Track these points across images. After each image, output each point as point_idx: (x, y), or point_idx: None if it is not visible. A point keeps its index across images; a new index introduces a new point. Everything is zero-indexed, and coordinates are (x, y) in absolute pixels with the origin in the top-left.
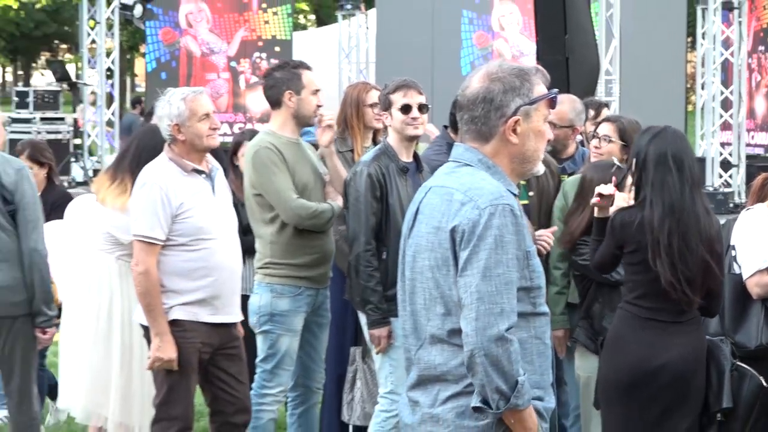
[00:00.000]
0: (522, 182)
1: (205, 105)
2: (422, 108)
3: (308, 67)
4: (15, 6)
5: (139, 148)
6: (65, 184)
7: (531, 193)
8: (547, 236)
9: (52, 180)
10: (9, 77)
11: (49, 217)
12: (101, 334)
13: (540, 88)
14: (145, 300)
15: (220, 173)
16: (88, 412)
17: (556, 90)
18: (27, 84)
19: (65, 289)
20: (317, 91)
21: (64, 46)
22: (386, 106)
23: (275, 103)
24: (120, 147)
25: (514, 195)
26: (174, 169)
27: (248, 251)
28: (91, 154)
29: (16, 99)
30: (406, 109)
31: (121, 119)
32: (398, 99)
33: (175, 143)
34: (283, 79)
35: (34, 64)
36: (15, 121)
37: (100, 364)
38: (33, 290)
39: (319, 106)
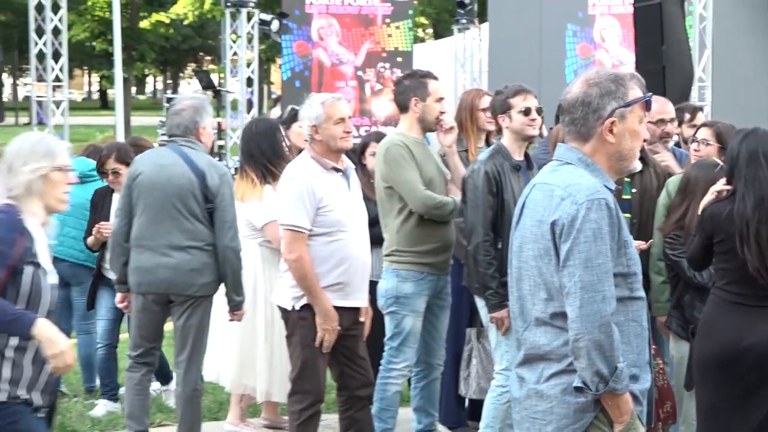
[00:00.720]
0: (626, 179)
1: (342, 110)
2: (539, 110)
3: (435, 78)
4: (166, 21)
5: (246, 141)
6: None
7: (634, 190)
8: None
9: None
10: (159, 86)
11: None
12: (247, 311)
13: (635, 92)
14: (303, 284)
15: (353, 172)
16: (235, 382)
17: (649, 93)
18: (175, 91)
19: None
20: (441, 99)
21: (208, 57)
22: (504, 109)
23: (403, 107)
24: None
25: (611, 190)
26: (316, 167)
27: (375, 242)
28: (233, 153)
29: (166, 105)
30: (526, 111)
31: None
32: (518, 102)
33: (314, 143)
34: (411, 86)
35: (181, 74)
36: (164, 125)
37: (246, 339)
38: (225, 281)
39: (442, 113)
